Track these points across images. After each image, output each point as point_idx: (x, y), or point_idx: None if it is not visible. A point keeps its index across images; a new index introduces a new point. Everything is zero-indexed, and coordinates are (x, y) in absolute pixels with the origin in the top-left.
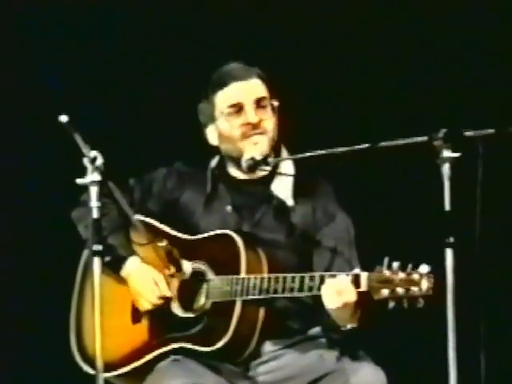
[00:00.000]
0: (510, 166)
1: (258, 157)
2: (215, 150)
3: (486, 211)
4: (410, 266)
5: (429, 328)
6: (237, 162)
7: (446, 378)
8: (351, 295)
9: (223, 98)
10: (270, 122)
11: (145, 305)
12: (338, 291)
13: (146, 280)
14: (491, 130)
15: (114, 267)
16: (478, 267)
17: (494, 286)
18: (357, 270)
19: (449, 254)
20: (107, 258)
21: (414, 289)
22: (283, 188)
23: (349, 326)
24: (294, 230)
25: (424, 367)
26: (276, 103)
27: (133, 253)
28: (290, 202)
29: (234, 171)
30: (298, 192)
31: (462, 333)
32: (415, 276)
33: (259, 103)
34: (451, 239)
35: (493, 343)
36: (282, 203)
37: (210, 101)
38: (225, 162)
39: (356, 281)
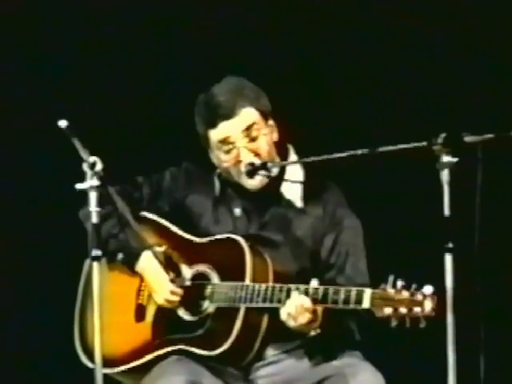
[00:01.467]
0: (510, 170)
1: (257, 162)
2: None
3: (486, 216)
4: (414, 286)
5: (428, 332)
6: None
7: (445, 382)
8: (305, 316)
9: (214, 136)
10: (263, 146)
11: (159, 299)
12: (294, 315)
13: (161, 276)
14: (490, 135)
15: (127, 263)
16: (478, 272)
17: (494, 291)
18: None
19: (448, 259)
20: (120, 256)
21: (417, 309)
22: (292, 190)
23: (313, 333)
24: (302, 233)
25: (423, 371)
26: (271, 123)
27: (144, 247)
28: (299, 203)
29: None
30: (307, 194)
31: (461, 337)
32: (419, 296)
33: (249, 135)
34: (450, 244)
35: (492, 348)
36: (291, 205)
37: (202, 132)
38: None
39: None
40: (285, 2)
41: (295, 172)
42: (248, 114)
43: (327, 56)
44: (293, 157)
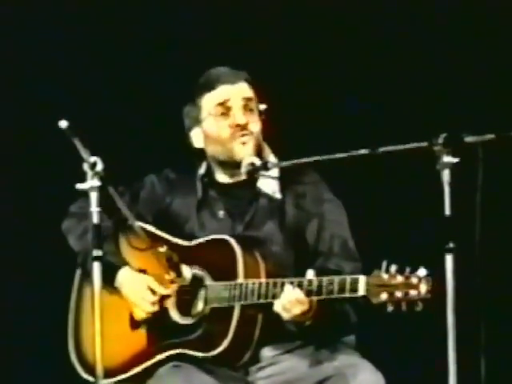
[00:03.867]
0: (510, 171)
1: (258, 162)
2: (202, 155)
3: (486, 216)
4: (408, 269)
5: (429, 331)
6: (223, 164)
7: (445, 381)
8: (299, 308)
9: (210, 100)
10: (256, 124)
11: (140, 314)
12: (287, 307)
13: (138, 288)
14: (491, 135)
15: (106, 278)
16: (478, 272)
17: (494, 291)
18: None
19: (449, 259)
20: None
21: (413, 292)
22: (270, 183)
23: (307, 323)
24: (287, 222)
25: (424, 371)
26: (263, 106)
27: (123, 261)
28: (277, 195)
29: (220, 177)
30: (284, 184)
31: (462, 337)
32: (413, 279)
33: (246, 106)
34: (451, 244)
35: (493, 348)
36: (270, 198)
37: (196, 103)
38: (212, 168)
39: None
40: (284, 1)
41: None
42: (247, 88)
43: (327, 55)
44: (270, 155)
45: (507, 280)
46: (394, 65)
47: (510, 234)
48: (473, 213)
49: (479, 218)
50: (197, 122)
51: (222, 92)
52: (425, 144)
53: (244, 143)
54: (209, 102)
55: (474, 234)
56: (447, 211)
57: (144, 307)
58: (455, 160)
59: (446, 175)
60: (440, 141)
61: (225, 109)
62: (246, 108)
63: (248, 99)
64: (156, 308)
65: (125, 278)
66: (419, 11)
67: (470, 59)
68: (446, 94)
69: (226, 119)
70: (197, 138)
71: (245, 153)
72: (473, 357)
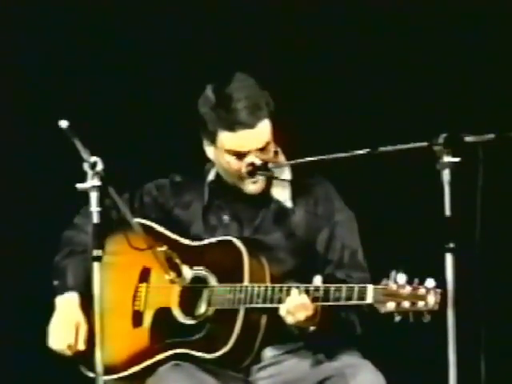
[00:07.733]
0: (510, 171)
1: (258, 162)
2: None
3: (487, 216)
4: (416, 280)
5: (429, 332)
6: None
7: (445, 381)
8: (304, 313)
9: (228, 141)
10: (270, 155)
11: (53, 344)
12: (291, 311)
13: (69, 320)
14: (491, 135)
15: (56, 292)
16: (478, 272)
17: (495, 291)
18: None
19: (449, 259)
20: (56, 282)
21: (420, 303)
22: (281, 190)
23: (312, 329)
24: (295, 231)
25: (424, 371)
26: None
27: (79, 286)
28: (288, 203)
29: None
30: (296, 192)
31: (462, 337)
32: (421, 290)
33: (263, 149)
34: (451, 244)
35: (493, 348)
36: (280, 205)
37: (212, 125)
38: (221, 175)
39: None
40: (285, 1)
41: (283, 171)
42: (265, 129)
43: (327, 55)
44: (280, 157)
45: (507, 280)
46: (394, 65)
47: (510, 234)
48: (473, 213)
49: (479, 218)
50: (211, 141)
51: (241, 140)
52: (425, 144)
53: (255, 182)
54: (226, 141)
55: (473, 234)
56: (447, 211)
57: (61, 342)
58: (455, 160)
59: (446, 175)
60: (440, 141)
61: (241, 154)
62: (262, 152)
63: (266, 144)
64: (68, 350)
65: (67, 302)
66: (420, 11)
67: (471, 59)
68: (446, 94)
69: (240, 161)
70: (209, 152)
71: (254, 190)
72: (473, 357)
